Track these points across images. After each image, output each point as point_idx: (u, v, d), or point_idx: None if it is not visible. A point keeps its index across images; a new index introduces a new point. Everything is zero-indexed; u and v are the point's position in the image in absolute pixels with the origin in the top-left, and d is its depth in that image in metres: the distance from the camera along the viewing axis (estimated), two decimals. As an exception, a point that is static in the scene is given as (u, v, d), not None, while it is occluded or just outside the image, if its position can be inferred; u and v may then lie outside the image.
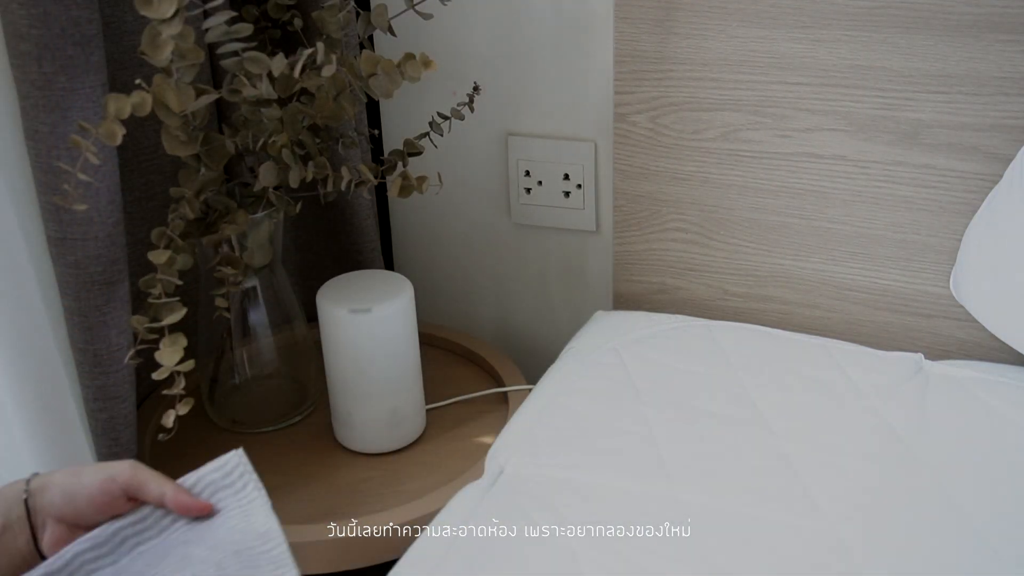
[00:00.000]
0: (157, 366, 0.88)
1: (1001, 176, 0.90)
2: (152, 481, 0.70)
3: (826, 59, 0.96)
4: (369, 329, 0.99)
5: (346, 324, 0.99)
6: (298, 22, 1.04)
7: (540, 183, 1.22)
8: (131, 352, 0.89)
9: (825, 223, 1.02)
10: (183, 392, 0.88)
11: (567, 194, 1.21)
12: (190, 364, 0.88)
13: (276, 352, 1.09)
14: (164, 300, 0.87)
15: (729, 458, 0.83)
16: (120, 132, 0.79)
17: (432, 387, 1.15)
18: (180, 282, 0.88)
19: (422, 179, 1.01)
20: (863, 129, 0.97)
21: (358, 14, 0.97)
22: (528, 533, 0.75)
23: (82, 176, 0.77)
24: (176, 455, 1.06)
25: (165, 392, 0.90)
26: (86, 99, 0.86)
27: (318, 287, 1.31)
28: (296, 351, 1.11)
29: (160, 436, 0.91)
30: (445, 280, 1.35)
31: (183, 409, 0.89)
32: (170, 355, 0.87)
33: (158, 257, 0.87)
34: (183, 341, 0.88)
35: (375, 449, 1.05)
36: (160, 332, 0.88)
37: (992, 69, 0.90)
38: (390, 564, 0.75)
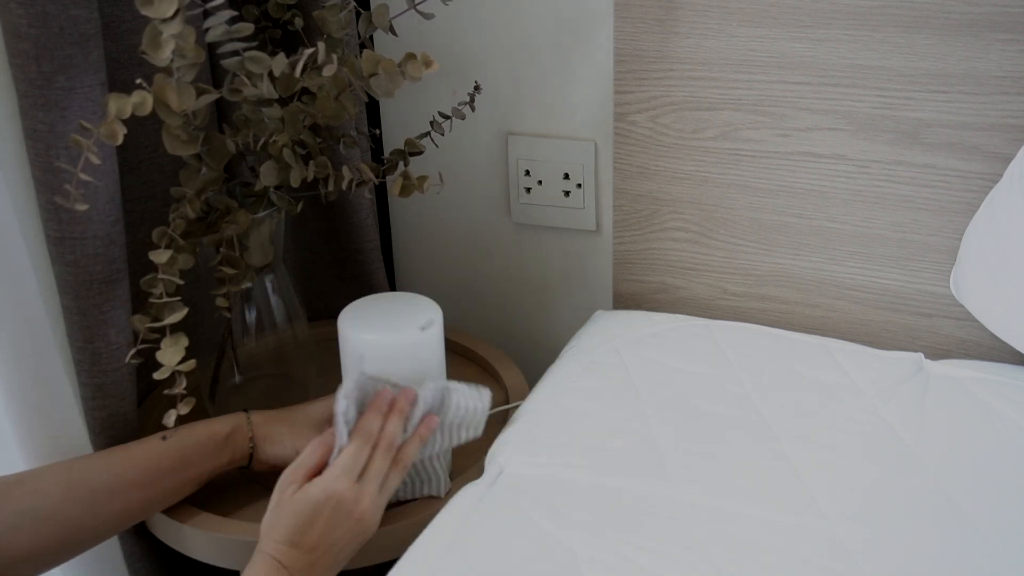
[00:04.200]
0: (158, 365, 0.88)
1: (1001, 175, 0.90)
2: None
3: (826, 58, 0.96)
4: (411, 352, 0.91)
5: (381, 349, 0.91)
6: (299, 21, 1.04)
7: (540, 183, 1.22)
8: (132, 352, 0.89)
9: (825, 222, 1.02)
10: (184, 392, 0.88)
11: (567, 193, 1.21)
12: (191, 364, 0.88)
13: (277, 351, 1.09)
14: (165, 300, 0.87)
15: (729, 458, 0.83)
16: (121, 132, 0.79)
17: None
18: (181, 282, 0.88)
19: (423, 179, 1.01)
20: (863, 128, 0.97)
21: (359, 14, 0.97)
22: (528, 533, 0.75)
23: (84, 176, 0.77)
24: (176, 454, 1.06)
25: (166, 392, 0.90)
26: (85, 98, 0.86)
27: (318, 287, 1.31)
28: (297, 351, 1.11)
29: (162, 436, 0.91)
30: (445, 280, 1.35)
31: (184, 409, 0.89)
32: (171, 355, 0.87)
33: (159, 257, 0.87)
34: (184, 341, 0.88)
35: None
36: (161, 332, 0.88)
37: (992, 68, 0.90)
38: (390, 564, 0.75)
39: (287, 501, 0.81)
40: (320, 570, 0.79)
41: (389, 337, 0.91)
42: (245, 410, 0.95)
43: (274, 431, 0.94)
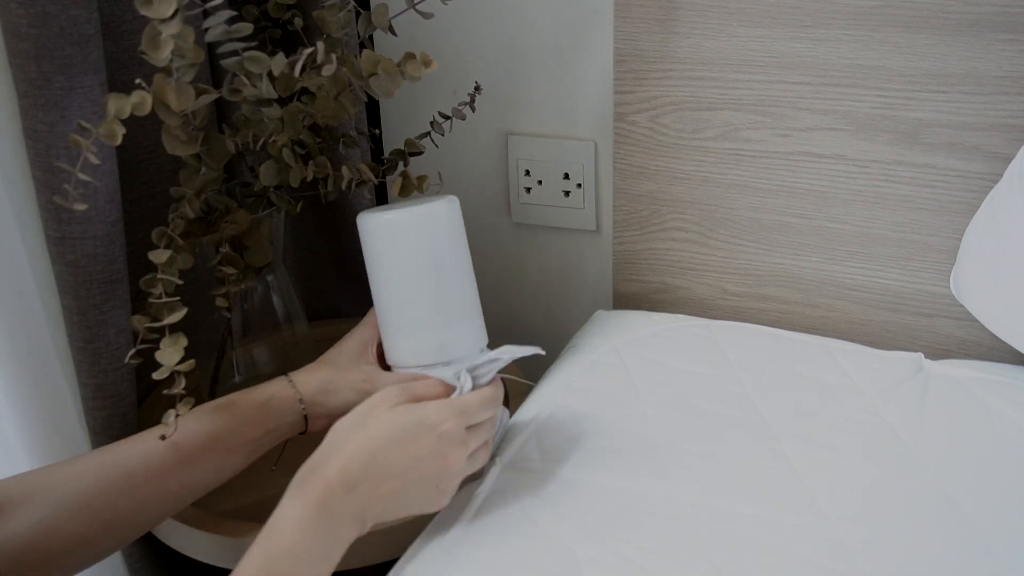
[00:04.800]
0: (158, 365, 0.88)
1: (1001, 175, 0.90)
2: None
3: (826, 58, 0.96)
4: (405, 235, 0.84)
5: (380, 234, 0.85)
6: (298, 21, 1.04)
7: (540, 182, 1.22)
8: (131, 352, 0.89)
9: (825, 222, 1.02)
10: (183, 392, 0.88)
11: (567, 193, 1.21)
12: (191, 364, 0.88)
13: (277, 351, 1.09)
14: (165, 300, 0.87)
15: (729, 458, 0.82)
16: (120, 132, 0.79)
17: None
18: (180, 282, 0.88)
19: (423, 178, 1.01)
20: (863, 128, 0.97)
21: (358, 13, 0.97)
22: (528, 533, 0.75)
23: (82, 176, 0.77)
24: (176, 455, 1.06)
25: (165, 392, 0.89)
26: (85, 98, 0.86)
27: (318, 287, 1.31)
28: (297, 351, 1.11)
29: (161, 437, 0.91)
30: (445, 279, 1.35)
31: (183, 409, 0.88)
32: (170, 355, 0.87)
33: (158, 257, 0.87)
34: (184, 341, 0.88)
35: None
36: (160, 332, 0.88)
37: (992, 68, 0.90)
38: (390, 564, 0.75)
39: (376, 418, 0.73)
40: (374, 511, 0.71)
41: (411, 210, 0.84)
42: (285, 373, 0.89)
43: (324, 380, 0.88)
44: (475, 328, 0.88)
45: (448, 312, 0.85)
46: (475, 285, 0.88)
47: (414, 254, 0.83)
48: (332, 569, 0.69)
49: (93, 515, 0.77)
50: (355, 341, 0.91)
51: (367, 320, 0.92)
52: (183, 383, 0.88)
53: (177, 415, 0.87)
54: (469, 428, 0.76)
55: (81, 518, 0.76)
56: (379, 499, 0.70)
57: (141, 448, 0.81)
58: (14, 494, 0.74)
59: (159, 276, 0.86)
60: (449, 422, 0.74)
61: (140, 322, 0.86)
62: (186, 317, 0.88)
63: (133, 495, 0.80)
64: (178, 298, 0.88)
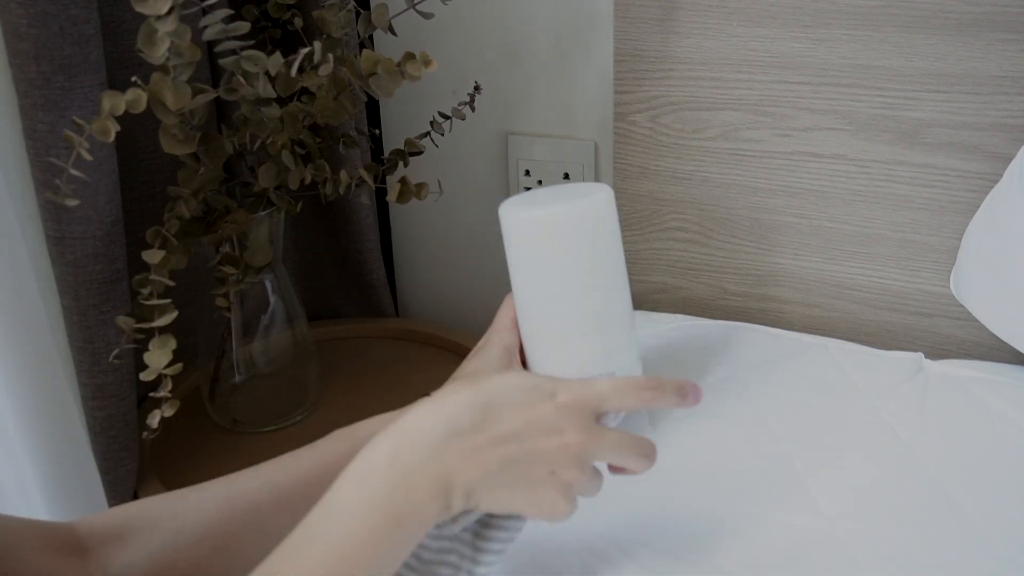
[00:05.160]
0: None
1: (1001, 175, 0.90)
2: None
3: (826, 58, 0.96)
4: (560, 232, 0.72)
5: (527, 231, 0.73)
6: (298, 21, 1.04)
7: (540, 182, 1.22)
8: (115, 352, 0.88)
9: (825, 222, 1.02)
10: (169, 395, 0.88)
11: (567, 194, 1.21)
12: (178, 367, 0.87)
13: (277, 351, 1.09)
14: (155, 301, 0.86)
15: (729, 458, 0.82)
16: (114, 129, 0.79)
17: (431, 387, 1.15)
18: (171, 283, 0.87)
19: (421, 186, 1.01)
20: (863, 128, 0.97)
21: (358, 13, 0.97)
22: (527, 532, 0.75)
23: (74, 172, 0.77)
24: (176, 454, 1.06)
25: (152, 395, 0.89)
26: (84, 98, 0.86)
27: (318, 287, 1.31)
28: (297, 350, 1.11)
29: (144, 435, 0.90)
30: (445, 280, 1.35)
31: (169, 411, 0.88)
32: (159, 357, 0.87)
33: (152, 257, 0.87)
34: (172, 343, 0.87)
35: None
36: (149, 333, 0.88)
37: (992, 68, 0.90)
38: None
39: (485, 378, 0.61)
40: (469, 478, 0.56)
41: (571, 206, 0.72)
42: (427, 394, 0.74)
43: None
44: (633, 333, 0.77)
45: (613, 315, 0.74)
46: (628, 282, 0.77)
47: (577, 253, 0.71)
48: (397, 551, 0.55)
49: (215, 549, 0.70)
50: (498, 349, 0.77)
51: (503, 324, 0.79)
52: (169, 386, 0.88)
53: (162, 416, 0.87)
54: (598, 418, 0.61)
55: (203, 551, 0.70)
56: (477, 463, 0.56)
57: (269, 477, 0.73)
58: (136, 521, 0.69)
59: (151, 277, 0.86)
60: (573, 396, 0.60)
61: (126, 323, 0.86)
62: (186, 317, 0.88)
63: (260, 529, 0.71)
64: (169, 300, 0.87)
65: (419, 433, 0.56)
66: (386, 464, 0.55)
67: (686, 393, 0.65)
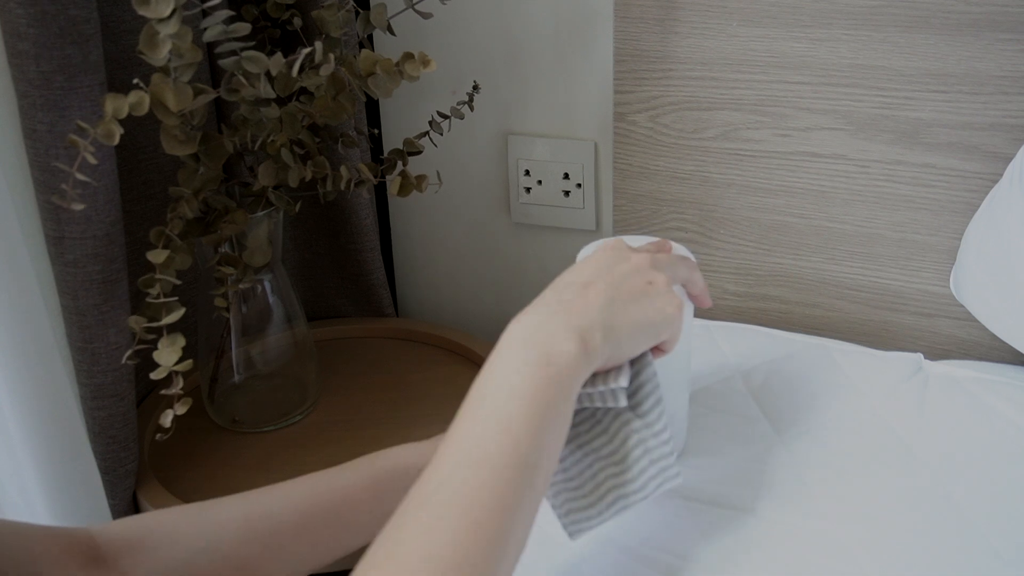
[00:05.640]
0: (156, 365, 0.88)
1: (1001, 175, 0.90)
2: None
3: (826, 58, 0.96)
4: None
5: None
6: (297, 21, 1.04)
7: (540, 182, 1.22)
8: (128, 352, 0.89)
9: (825, 222, 1.02)
10: (181, 392, 0.88)
11: (567, 193, 1.21)
12: (188, 364, 0.88)
13: (276, 351, 1.09)
14: (163, 300, 0.87)
15: (728, 458, 0.82)
16: (118, 132, 0.79)
17: (431, 387, 1.15)
18: (178, 282, 0.88)
19: (421, 178, 1.01)
20: (863, 128, 0.97)
21: (357, 13, 0.97)
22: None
23: (80, 176, 0.77)
24: (176, 454, 1.06)
25: (163, 392, 0.90)
26: (84, 98, 0.86)
27: (317, 287, 1.30)
28: (296, 350, 1.11)
29: (158, 436, 0.91)
30: (445, 280, 1.35)
31: (181, 409, 0.89)
32: (168, 355, 0.87)
33: (156, 257, 0.87)
34: (181, 341, 0.88)
35: None
36: (158, 332, 0.88)
37: (992, 68, 0.90)
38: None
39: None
40: (596, 306, 0.62)
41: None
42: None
43: None
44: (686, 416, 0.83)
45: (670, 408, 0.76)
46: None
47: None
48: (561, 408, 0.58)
49: (234, 569, 0.70)
50: None
51: None
52: (180, 383, 0.88)
53: (175, 415, 0.87)
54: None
55: (221, 570, 0.69)
56: (591, 299, 0.62)
57: (289, 500, 0.73)
58: (155, 534, 0.69)
59: (157, 276, 0.87)
60: (640, 257, 0.67)
61: (137, 322, 0.86)
62: (185, 317, 0.88)
63: (280, 554, 0.71)
64: (176, 298, 0.88)
65: (535, 306, 0.63)
66: (521, 332, 0.60)
67: (706, 297, 0.74)
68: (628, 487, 0.66)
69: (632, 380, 0.66)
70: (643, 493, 0.66)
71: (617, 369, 0.64)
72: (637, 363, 0.66)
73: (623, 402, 0.64)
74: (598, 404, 0.65)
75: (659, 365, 0.73)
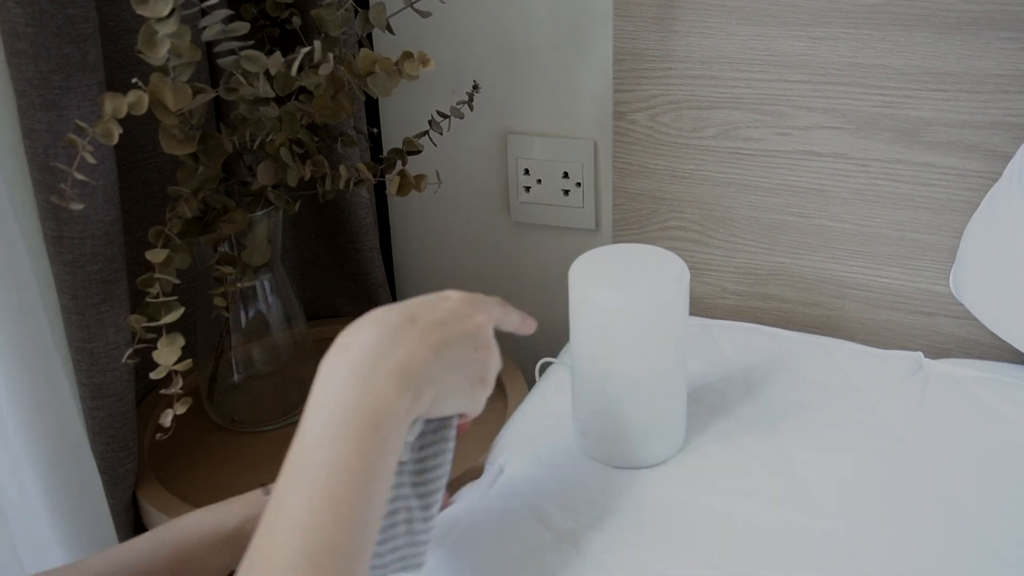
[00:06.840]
0: (156, 364, 0.88)
1: (1001, 174, 0.90)
2: None
3: (826, 57, 0.96)
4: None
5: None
6: (297, 20, 1.04)
7: (539, 181, 1.22)
8: (129, 352, 0.89)
9: (825, 221, 1.02)
10: (181, 391, 0.88)
11: (567, 192, 1.21)
12: (188, 363, 0.88)
13: (276, 351, 1.09)
14: (162, 299, 0.87)
15: (728, 457, 0.82)
16: (117, 131, 0.79)
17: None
18: (178, 281, 0.88)
19: (421, 177, 1.01)
20: (863, 127, 0.97)
21: (356, 12, 0.97)
22: (529, 533, 0.75)
23: (79, 175, 0.77)
24: (175, 454, 1.06)
25: (163, 392, 0.90)
26: (83, 97, 0.86)
27: (317, 287, 1.30)
28: (296, 349, 1.11)
29: (157, 435, 0.91)
30: (445, 279, 1.35)
31: (181, 408, 0.88)
32: (168, 354, 0.87)
33: (156, 256, 0.87)
34: (181, 340, 0.88)
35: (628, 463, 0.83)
36: (158, 331, 0.88)
37: (992, 67, 0.90)
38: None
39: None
40: (420, 360, 0.56)
41: (639, 295, 0.77)
42: (263, 485, 0.75)
43: None
44: (683, 406, 0.85)
45: (665, 391, 0.82)
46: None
47: (642, 336, 0.78)
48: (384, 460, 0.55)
49: None
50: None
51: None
52: (180, 382, 0.88)
53: (174, 414, 0.87)
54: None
55: None
56: (426, 345, 0.57)
57: (103, 565, 0.70)
58: None
59: (156, 276, 0.87)
60: (460, 294, 0.64)
61: (137, 322, 0.86)
62: (184, 317, 0.88)
63: None
64: (175, 297, 0.88)
65: (362, 343, 0.56)
66: (346, 376, 0.54)
67: (527, 323, 0.72)
68: (375, 559, 0.61)
69: (423, 440, 0.62)
70: (384, 570, 0.62)
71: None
72: (434, 423, 0.63)
73: (405, 455, 0.60)
74: None
75: (656, 363, 0.75)
